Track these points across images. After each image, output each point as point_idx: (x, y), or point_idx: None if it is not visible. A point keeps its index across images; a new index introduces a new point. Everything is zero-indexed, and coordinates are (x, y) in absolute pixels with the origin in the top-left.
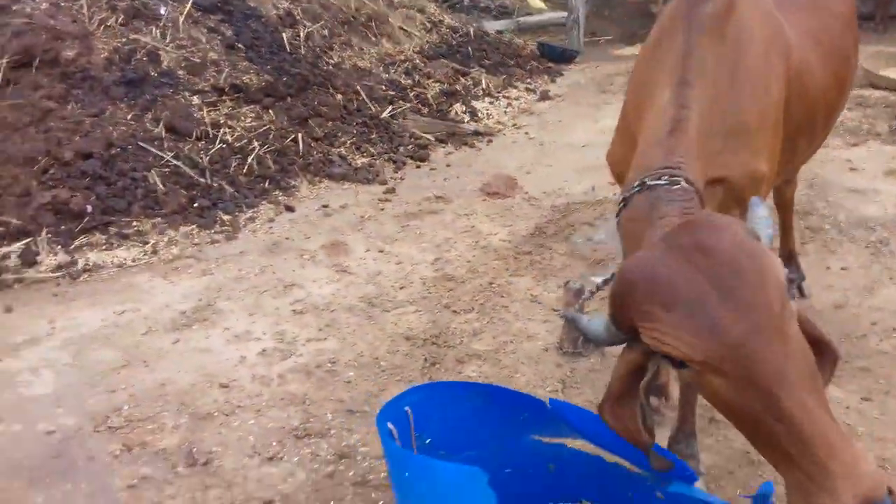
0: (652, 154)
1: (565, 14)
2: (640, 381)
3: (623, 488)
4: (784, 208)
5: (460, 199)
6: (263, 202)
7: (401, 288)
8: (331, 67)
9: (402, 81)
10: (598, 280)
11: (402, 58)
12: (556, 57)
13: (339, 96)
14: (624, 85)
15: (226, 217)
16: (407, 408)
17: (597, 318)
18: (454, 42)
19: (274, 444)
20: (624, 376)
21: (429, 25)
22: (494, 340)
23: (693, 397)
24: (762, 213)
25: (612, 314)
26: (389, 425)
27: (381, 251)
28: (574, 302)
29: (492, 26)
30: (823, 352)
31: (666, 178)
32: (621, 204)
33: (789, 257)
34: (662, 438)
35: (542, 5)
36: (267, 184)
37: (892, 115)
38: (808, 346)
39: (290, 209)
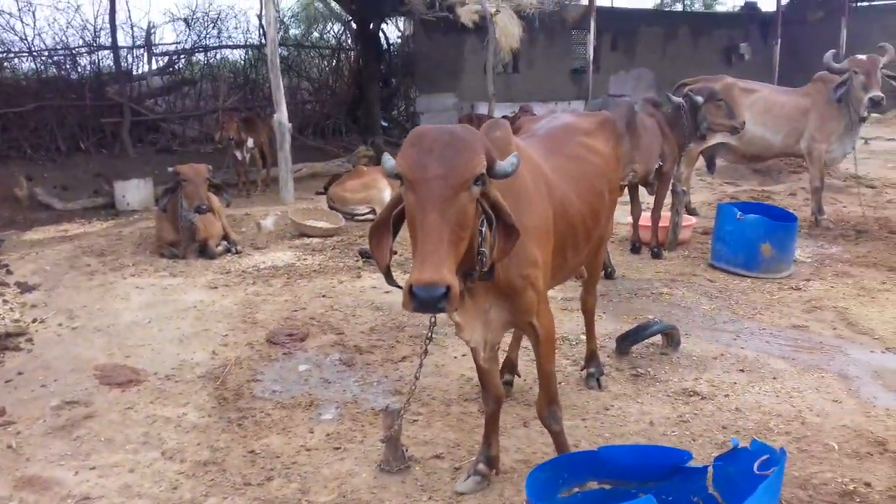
0: None
1: None
2: (396, 208)
3: None
4: (587, 314)
5: (95, 397)
6: None
7: (173, 489)
8: None
9: None
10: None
11: None
12: None
13: None
14: (100, 264)
15: None
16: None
17: (391, 162)
18: None
19: None
20: (390, 205)
21: None
22: (328, 489)
23: (564, 440)
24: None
25: (397, 158)
26: None
27: (93, 468)
28: (393, 422)
29: None
30: (510, 231)
31: None
32: None
33: (592, 356)
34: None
35: None
36: None
37: None
38: (467, 211)
39: None
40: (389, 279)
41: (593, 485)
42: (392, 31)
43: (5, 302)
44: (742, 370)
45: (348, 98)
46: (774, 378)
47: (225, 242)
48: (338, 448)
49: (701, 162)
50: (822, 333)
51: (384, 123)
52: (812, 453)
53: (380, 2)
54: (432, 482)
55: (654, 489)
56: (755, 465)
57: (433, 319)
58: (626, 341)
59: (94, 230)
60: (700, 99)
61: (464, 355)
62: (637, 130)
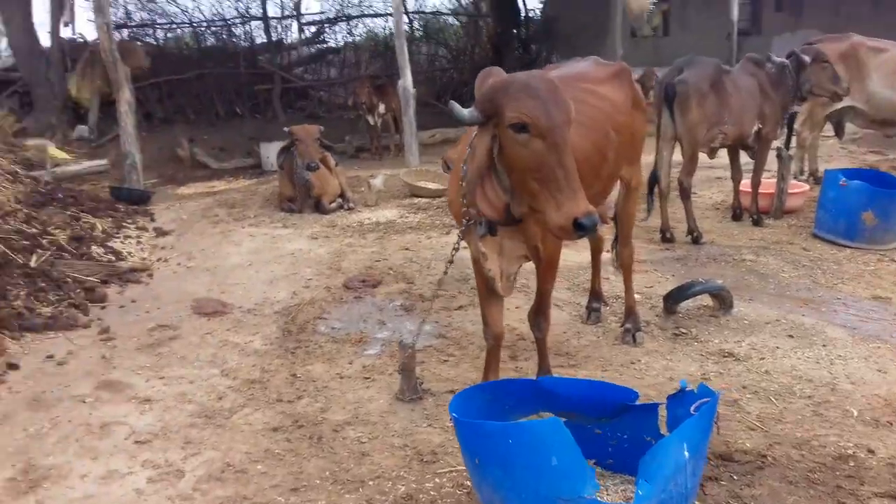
0: None
1: (102, 162)
2: (493, 154)
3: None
4: (624, 269)
5: (184, 323)
6: None
7: (218, 399)
8: None
9: (28, 230)
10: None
11: (10, 209)
12: (135, 199)
13: None
14: (227, 214)
15: None
16: (453, 414)
17: (465, 110)
18: (44, 191)
19: None
20: (486, 151)
21: (11, 177)
22: (345, 410)
23: (545, 348)
24: None
25: (479, 106)
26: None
27: (161, 378)
28: (404, 355)
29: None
30: None
31: None
32: None
33: (629, 311)
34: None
35: (66, 155)
36: None
37: None
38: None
39: (13, 366)
40: (509, 219)
41: (547, 415)
42: None
43: (139, 243)
44: (791, 336)
45: (485, 64)
46: (824, 345)
47: (340, 199)
48: (367, 378)
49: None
50: None
51: None
52: (826, 417)
53: None
54: (438, 412)
55: (608, 425)
56: (692, 407)
57: (457, 246)
58: (670, 300)
59: (236, 186)
60: (807, 58)
61: (517, 307)
62: (725, 90)
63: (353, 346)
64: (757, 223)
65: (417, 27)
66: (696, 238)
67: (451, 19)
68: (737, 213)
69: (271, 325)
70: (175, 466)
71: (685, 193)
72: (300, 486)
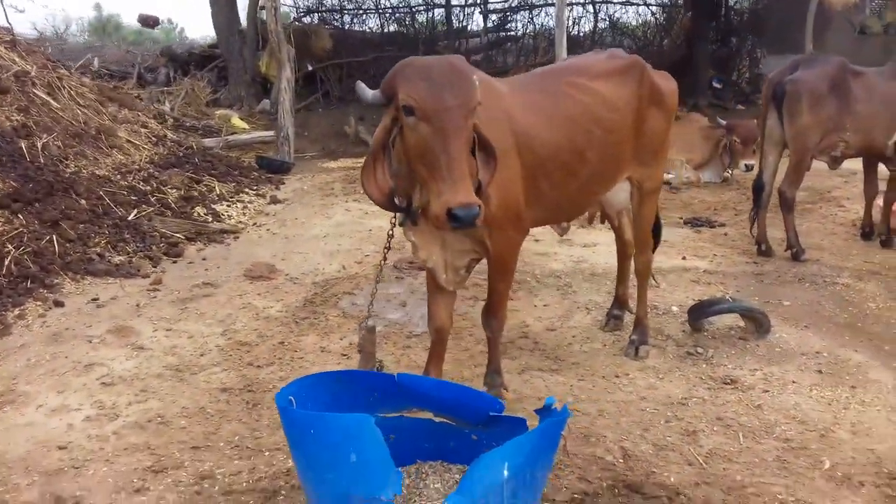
0: None
1: (270, 133)
2: (389, 137)
3: (447, 440)
4: (637, 277)
5: (228, 283)
6: (29, 300)
7: (200, 355)
8: (70, 175)
9: (142, 188)
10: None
11: (137, 167)
12: (275, 168)
13: (84, 201)
14: (342, 189)
15: None
16: (291, 397)
17: (370, 91)
18: (181, 154)
19: (135, 480)
20: (382, 133)
21: (154, 140)
22: None
23: (496, 347)
24: None
25: (382, 89)
26: (290, 398)
27: (169, 329)
28: (360, 335)
29: (202, 144)
30: (489, 153)
31: None
32: None
33: (638, 322)
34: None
35: (245, 125)
36: (29, 283)
37: None
38: (471, 133)
39: (59, 304)
40: (392, 205)
41: (425, 414)
42: None
43: (245, 208)
44: (821, 371)
45: (675, 57)
46: (853, 387)
47: None
48: (345, 355)
49: None
50: None
51: (717, 85)
52: (788, 465)
53: None
54: None
55: (485, 433)
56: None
57: (391, 233)
58: (693, 315)
59: None
60: None
61: (546, 305)
62: (850, 93)
63: (357, 323)
64: (885, 244)
65: (602, 17)
66: (795, 254)
67: (640, 9)
68: (866, 232)
69: (300, 295)
70: (116, 410)
71: (786, 205)
72: (202, 446)
